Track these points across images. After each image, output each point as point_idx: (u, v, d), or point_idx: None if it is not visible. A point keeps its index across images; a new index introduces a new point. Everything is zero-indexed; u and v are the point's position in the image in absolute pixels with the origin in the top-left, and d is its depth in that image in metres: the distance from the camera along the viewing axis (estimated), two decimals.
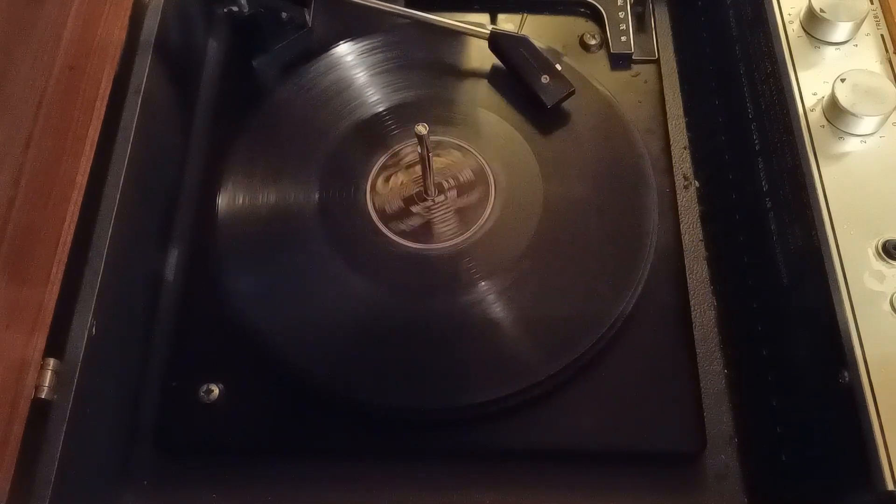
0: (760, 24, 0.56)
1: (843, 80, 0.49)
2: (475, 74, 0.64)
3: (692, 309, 0.56)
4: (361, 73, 0.64)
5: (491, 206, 0.57)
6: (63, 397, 0.45)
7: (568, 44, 0.67)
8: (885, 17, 0.53)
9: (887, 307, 0.43)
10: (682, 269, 0.57)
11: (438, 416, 0.51)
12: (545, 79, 0.61)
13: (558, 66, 0.61)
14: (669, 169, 0.61)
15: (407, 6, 0.68)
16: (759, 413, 0.52)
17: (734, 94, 0.60)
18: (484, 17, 0.70)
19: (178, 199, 0.62)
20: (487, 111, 0.62)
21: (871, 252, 0.45)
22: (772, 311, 0.52)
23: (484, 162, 0.59)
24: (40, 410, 0.44)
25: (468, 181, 0.59)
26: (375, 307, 0.54)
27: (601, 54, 0.67)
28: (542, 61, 0.61)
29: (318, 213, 0.57)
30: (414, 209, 0.57)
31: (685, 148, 0.65)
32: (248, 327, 0.53)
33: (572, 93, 0.61)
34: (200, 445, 0.52)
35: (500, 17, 0.70)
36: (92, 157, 0.51)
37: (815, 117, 0.49)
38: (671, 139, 0.63)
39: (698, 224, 0.61)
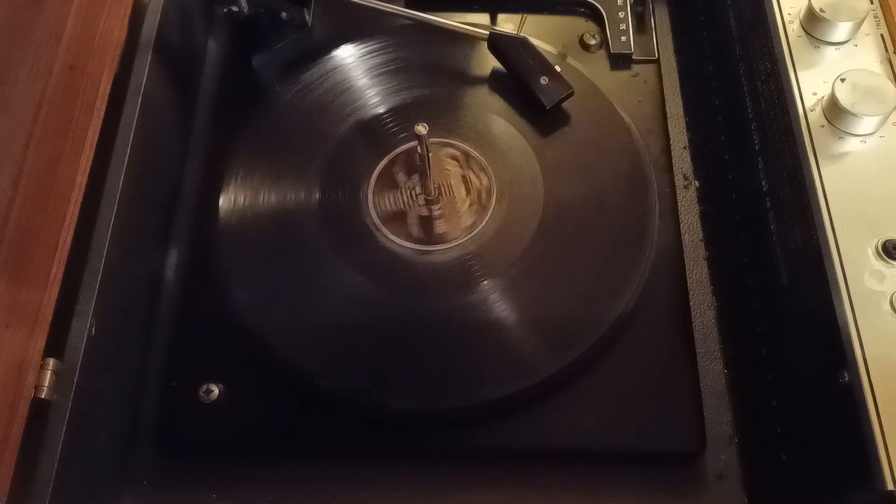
0: (760, 24, 0.56)
1: (842, 80, 0.49)
2: (475, 75, 0.64)
3: (692, 309, 0.56)
4: (361, 75, 0.64)
5: (492, 207, 0.57)
6: (63, 397, 0.45)
7: (568, 44, 0.67)
8: (885, 17, 0.53)
9: (887, 307, 0.43)
10: (682, 269, 0.57)
11: (438, 416, 0.51)
12: (544, 80, 0.61)
13: (557, 68, 0.61)
14: (669, 169, 0.61)
15: (407, 6, 0.68)
16: (759, 413, 0.52)
17: (734, 94, 0.60)
18: (484, 18, 0.70)
19: (178, 199, 0.62)
20: (487, 111, 0.62)
21: (871, 252, 0.45)
22: (772, 311, 0.52)
23: (484, 162, 0.59)
24: (40, 410, 0.44)
25: (468, 181, 0.59)
26: (375, 307, 0.54)
27: (601, 54, 0.67)
28: (540, 62, 0.61)
29: (318, 213, 0.57)
30: (414, 210, 0.57)
31: (685, 148, 0.65)
32: (248, 327, 0.53)
33: (571, 94, 0.61)
34: (200, 445, 0.52)
35: (500, 17, 0.70)
36: (92, 157, 0.51)
37: (815, 117, 0.49)
38: (671, 139, 0.63)
39: (698, 224, 0.61)
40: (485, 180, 0.58)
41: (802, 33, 0.53)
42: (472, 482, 0.51)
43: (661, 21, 0.70)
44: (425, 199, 0.58)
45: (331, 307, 0.54)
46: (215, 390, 0.52)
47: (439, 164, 0.59)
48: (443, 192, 0.58)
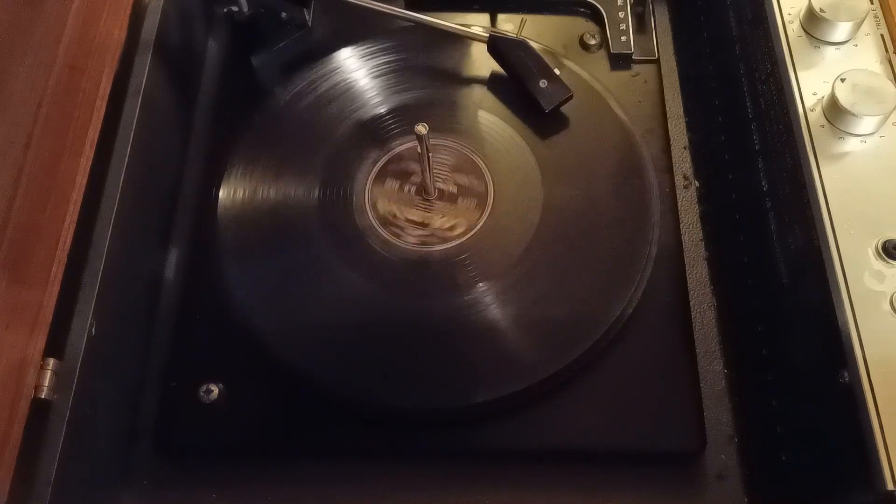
0: (760, 24, 0.56)
1: (842, 80, 0.49)
2: (475, 76, 0.64)
3: (692, 309, 0.57)
4: (361, 76, 0.64)
5: (490, 207, 0.57)
6: (63, 397, 0.45)
7: (568, 44, 0.67)
8: (885, 17, 0.53)
9: (887, 307, 0.43)
10: (682, 269, 0.57)
11: (439, 416, 0.51)
12: (543, 83, 0.60)
13: (557, 71, 0.61)
14: (669, 169, 0.61)
15: (406, 7, 0.68)
16: (759, 413, 0.52)
17: (734, 94, 0.60)
18: (484, 18, 0.70)
19: (178, 199, 0.62)
20: (487, 112, 0.62)
21: (871, 252, 0.45)
22: (772, 311, 0.52)
23: (483, 163, 0.59)
24: (40, 410, 0.44)
25: (467, 182, 0.58)
26: (374, 307, 0.54)
27: (601, 54, 0.67)
28: (540, 65, 0.61)
29: (317, 213, 0.57)
30: (413, 210, 0.57)
31: (685, 148, 0.65)
32: (248, 327, 0.53)
33: (570, 98, 0.61)
34: (200, 445, 0.52)
35: (500, 17, 0.70)
36: (92, 157, 0.51)
37: (815, 117, 0.49)
38: (671, 139, 0.63)
39: (698, 224, 0.61)
40: (484, 181, 0.58)
41: (802, 33, 0.53)
42: (472, 482, 0.51)
43: (661, 21, 0.70)
44: (425, 199, 0.58)
45: (331, 307, 0.54)
46: (215, 390, 0.52)
47: (439, 164, 0.59)
48: (443, 192, 0.58)
